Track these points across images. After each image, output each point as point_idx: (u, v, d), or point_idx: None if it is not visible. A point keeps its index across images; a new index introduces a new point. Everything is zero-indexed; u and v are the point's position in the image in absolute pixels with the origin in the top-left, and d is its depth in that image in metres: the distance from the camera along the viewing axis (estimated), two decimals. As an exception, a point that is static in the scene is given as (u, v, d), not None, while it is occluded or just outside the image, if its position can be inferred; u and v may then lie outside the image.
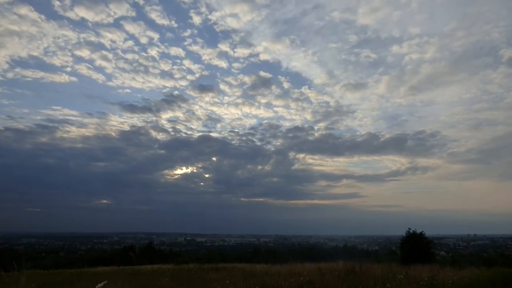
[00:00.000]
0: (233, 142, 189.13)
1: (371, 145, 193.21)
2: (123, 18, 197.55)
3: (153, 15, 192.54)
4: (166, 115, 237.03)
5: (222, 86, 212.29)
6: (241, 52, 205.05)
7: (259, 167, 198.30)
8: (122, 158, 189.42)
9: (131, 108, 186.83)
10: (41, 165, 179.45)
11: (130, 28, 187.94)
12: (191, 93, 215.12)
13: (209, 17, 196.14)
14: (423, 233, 19.91)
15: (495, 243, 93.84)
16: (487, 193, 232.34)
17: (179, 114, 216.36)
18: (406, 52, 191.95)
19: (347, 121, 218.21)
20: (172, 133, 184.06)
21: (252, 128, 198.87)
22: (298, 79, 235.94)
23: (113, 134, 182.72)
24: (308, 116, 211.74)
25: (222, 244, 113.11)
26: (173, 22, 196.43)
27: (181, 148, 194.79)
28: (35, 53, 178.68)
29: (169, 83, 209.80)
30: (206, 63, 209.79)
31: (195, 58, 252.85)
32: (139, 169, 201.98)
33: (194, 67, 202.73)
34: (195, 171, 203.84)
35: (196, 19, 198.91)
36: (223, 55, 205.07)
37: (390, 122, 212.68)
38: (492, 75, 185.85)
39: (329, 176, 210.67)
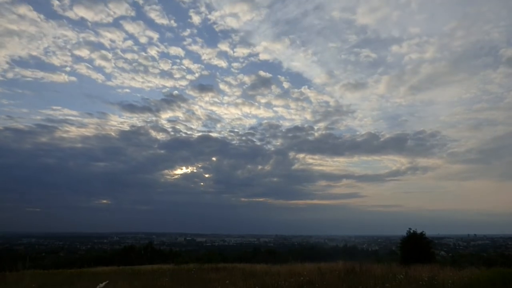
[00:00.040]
0: (233, 142, 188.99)
1: (371, 145, 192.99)
2: (122, 17, 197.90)
3: (153, 15, 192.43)
4: (165, 115, 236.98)
5: (221, 86, 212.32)
6: (241, 51, 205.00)
7: (259, 167, 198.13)
8: (122, 158, 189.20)
9: (131, 108, 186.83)
10: (41, 165, 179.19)
11: (130, 27, 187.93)
12: (191, 93, 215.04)
13: (209, 16, 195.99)
14: (424, 233, 19.90)
15: (495, 243, 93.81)
16: (487, 193, 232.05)
17: (179, 114, 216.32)
18: (406, 52, 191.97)
19: (347, 121, 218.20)
20: (172, 133, 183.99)
21: (252, 128, 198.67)
22: (298, 79, 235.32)
23: (113, 134, 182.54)
24: (308, 116, 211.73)
25: (222, 244, 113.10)
26: (172, 21, 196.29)
27: (181, 148, 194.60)
28: (34, 53, 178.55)
29: (169, 83, 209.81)
30: (205, 62, 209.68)
31: (195, 57, 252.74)
32: (139, 169, 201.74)
33: (194, 66, 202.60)
34: (195, 171, 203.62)
35: (196, 19, 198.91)
36: (222, 54, 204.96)
37: (390, 122, 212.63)
38: (492, 75, 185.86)
39: (329, 176, 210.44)
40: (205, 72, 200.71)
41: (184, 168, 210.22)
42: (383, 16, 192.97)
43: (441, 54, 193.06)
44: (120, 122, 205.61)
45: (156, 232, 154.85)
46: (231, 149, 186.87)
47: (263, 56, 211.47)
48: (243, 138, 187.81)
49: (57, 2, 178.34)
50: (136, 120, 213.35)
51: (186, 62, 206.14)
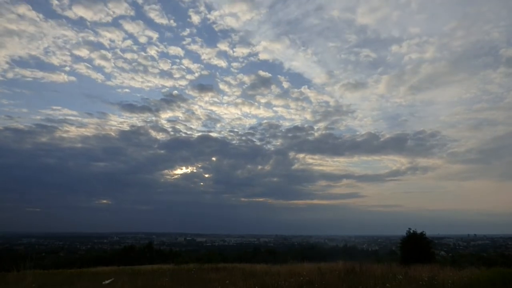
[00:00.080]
0: (233, 142, 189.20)
1: (371, 145, 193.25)
2: (121, 17, 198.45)
3: (152, 14, 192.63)
4: (165, 115, 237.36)
5: (221, 86, 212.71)
6: (240, 51, 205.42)
7: (259, 167, 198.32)
8: (122, 158, 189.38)
9: (131, 107, 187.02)
10: (41, 165, 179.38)
11: (129, 27, 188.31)
12: (191, 92, 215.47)
13: (208, 16, 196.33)
14: (424, 233, 19.90)
15: (495, 243, 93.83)
16: (487, 193, 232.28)
17: (179, 114, 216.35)
18: (406, 52, 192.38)
19: (347, 121, 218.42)
20: (172, 133, 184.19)
21: (251, 128, 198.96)
22: (297, 79, 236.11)
23: (112, 134, 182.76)
24: (308, 116, 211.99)
25: (222, 244, 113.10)
26: (172, 21, 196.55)
27: (181, 148, 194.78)
28: (33, 53, 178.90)
29: (169, 83, 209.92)
30: (205, 62, 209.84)
31: (194, 57, 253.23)
32: (139, 169, 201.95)
33: (193, 66, 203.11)
34: (195, 171, 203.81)
35: (195, 18, 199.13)
36: (222, 54, 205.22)
37: (390, 122, 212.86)
38: (492, 75, 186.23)
39: (329, 176, 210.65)
40: (204, 72, 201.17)
41: (184, 168, 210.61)
42: (383, 16, 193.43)
43: (441, 54, 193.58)
44: (120, 122, 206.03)
45: (156, 232, 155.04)
46: (231, 149, 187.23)
47: (262, 56, 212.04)
48: (243, 138, 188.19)
49: (56, 2, 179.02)
50: (136, 120, 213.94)
51: (185, 62, 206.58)
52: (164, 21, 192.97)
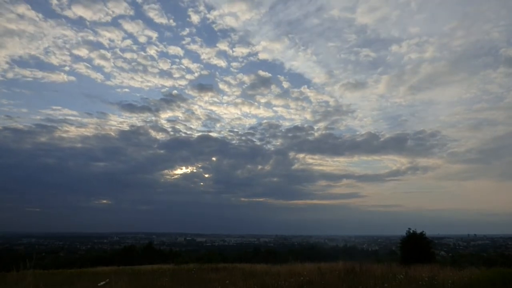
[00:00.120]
0: (232, 142, 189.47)
1: (371, 145, 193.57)
2: (121, 16, 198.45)
3: (151, 14, 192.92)
4: (165, 115, 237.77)
5: (221, 86, 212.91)
6: (240, 51, 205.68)
7: (259, 167, 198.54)
8: (122, 158, 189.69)
9: (130, 107, 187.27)
10: (40, 165, 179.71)
11: (129, 27, 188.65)
12: (190, 92, 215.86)
13: (208, 16, 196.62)
14: (424, 233, 19.91)
15: (495, 243, 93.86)
16: (487, 193, 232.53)
17: (179, 113, 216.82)
18: (406, 52, 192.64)
19: (347, 121, 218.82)
20: (172, 133, 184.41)
21: (251, 128, 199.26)
22: (297, 79, 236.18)
23: (112, 134, 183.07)
24: (308, 116, 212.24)
25: (222, 244, 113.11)
26: (171, 21, 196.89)
27: (181, 148, 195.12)
28: (33, 52, 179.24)
29: (168, 83, 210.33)
30: (205, 62, 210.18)
31: (194, 57, 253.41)
32: (139, 169, 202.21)
33: (193, 66, 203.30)
34: (194, 171, 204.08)
35: (195, 18, 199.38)
36: (222, 54, 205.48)
37: (390, 122, 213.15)
38: (492, 74, 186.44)
39: (329, 176, 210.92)
40: (204, 72, 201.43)
41: (184, 168, 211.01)
42: (382, 15, 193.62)
43: (440, 54, 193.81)
44: (119, 122, 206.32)
45: (156, 232, 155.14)
46: (231, 149, 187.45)
47: (262, 56, 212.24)
48: (243, 138, 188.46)
49: (56, 1, 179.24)
50: (135, 120, 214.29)
51: (185, 62, 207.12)
52: (163, 20, 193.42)
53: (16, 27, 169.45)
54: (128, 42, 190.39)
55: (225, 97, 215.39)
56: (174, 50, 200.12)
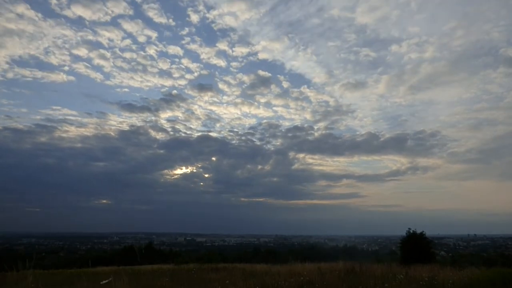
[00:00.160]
0: (232, 142, 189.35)
1: (371, 145, 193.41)
2: (120, 16, 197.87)
3: (151, 13, 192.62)
4: (165, 115, 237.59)
5: (221, 85, 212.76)
6: (240, 51, 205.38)
7: (259, 167, 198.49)
8: (122, 158, 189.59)
9: (130, 107, 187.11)
10: (40, 165, 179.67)
11: (128, 26, 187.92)
12: (190, 92, 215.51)
13: (207, 15, 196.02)
14: (423, 233, 19.92)
15: (495, 243, 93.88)
16: (487, 193, 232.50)
17: (178, 113, 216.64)
18: (406, 52, 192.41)
19: (347, 121, 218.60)
20: (171, 132, 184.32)
21: (251, 127, 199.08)
22: (297, 79, 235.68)
23: (112, 133, 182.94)
24: (308, 116, 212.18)
25: (222, 244, 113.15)
26: (170, 20, 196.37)
27: (181, 148, 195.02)
28: (32, 52, 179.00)
29: (168, 82, 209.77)
30: (204, 62, 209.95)
31: (194, 57, 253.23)
32: (139, 169, 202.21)
33: (193, 66, 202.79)
34: (194, 171, 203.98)
35: (194, 18, 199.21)
36: (221, 54, 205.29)
37: (390, 122, 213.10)
38: (492, 74, 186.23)
39: (329, 176, 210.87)
40: (204, 72, 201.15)
41: (183, 168, 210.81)
42: (382, 15, 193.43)
43: (440, 54, 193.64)
44: (119, 122, 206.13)
45: (156, 232, 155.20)
46: (230, 149, 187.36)
47: (262, 55, 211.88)
48: (243, 138, 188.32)
49: (55, 1, 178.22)
50: (135, 119, 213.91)
51: (185, 61, 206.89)
52: (163, 20, 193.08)
53: (16, 27, 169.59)
54: (128, 41, 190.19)
55: (225, 97, 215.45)
56: (173, 49, 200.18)
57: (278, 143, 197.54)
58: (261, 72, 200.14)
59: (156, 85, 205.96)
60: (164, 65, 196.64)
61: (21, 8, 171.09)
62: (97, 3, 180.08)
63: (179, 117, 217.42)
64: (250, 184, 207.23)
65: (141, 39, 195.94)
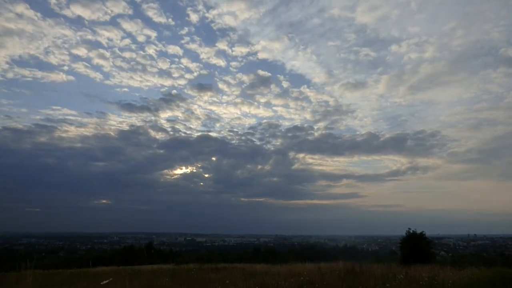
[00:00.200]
0: (232, 142, 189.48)
1: (371, 145, 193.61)
2: (120, 16, 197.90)
3: (150, 13, 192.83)
4: (164, 115, 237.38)
5: (220, 85, 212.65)
6: (239, 50, 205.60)
7: (259, 167, 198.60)
8: (122, 158, 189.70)
9: (130, 107, 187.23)
10: (40, 165, 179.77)
11: (127, 26, 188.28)
12: (190, 92, 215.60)
13: (206, 15, 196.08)
14: (423, 233, 19.91)
15: (495, 243, 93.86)
16: (487, 193, 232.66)
17: (178, 113, 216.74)
18: (405, 52, 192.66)
19: (347, 121, 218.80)
20: (171, 132, 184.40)
21: (251, 127, 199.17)
22: (297, 78, 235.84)
23: (112, 133, 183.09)
24: (308, 116, 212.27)
25: (222, 244, 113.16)
26: (170, 20, 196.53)
27: (180, 147, 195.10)
28: (32, 52, 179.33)
29: (167, 82, 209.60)
30: (204, 61, 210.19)
31: (193, 56, 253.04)
32: (139, 169, 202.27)
33: (192, 65, 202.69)
34: (194, 171, 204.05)
35: (193, 17, 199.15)
36: (221, 53, 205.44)
37: (390, 122, 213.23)
38: (492, 74, 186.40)
39: (329, 176, 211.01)
40: (203, 71, 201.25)
41: (183, 168, 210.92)
42: (382, 15, 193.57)
43: (440, 54, 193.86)
44: (119, 121, 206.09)
45: (156, 232, 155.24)
46: (230, 149, 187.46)
47: (261, 55, 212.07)
48: (243, 137, 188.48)
49: (54, 0, 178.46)
50: (135, 119, 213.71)
51: (184, 61, 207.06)
52: (162, 19, 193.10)
53: (15, 27, 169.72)
54: (127, 41, 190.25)
55: (224, 97, 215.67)
56: (173, 49, 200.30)
57: (278, 143, 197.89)
58: (260, 72, 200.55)
59: (155, 85, 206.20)
60: (163, 65, 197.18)
61: (21, 8, 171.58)
62: (96, 3, 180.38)
63: (179, 117, 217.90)
64: (250, 184, 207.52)
65: (141, 38, 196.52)
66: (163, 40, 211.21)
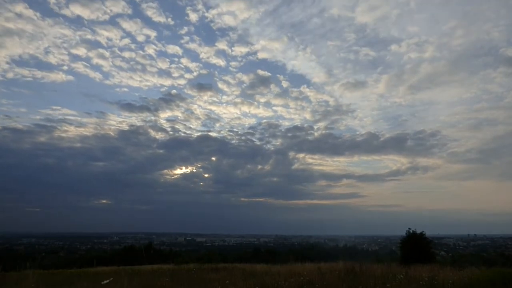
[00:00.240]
0: (232, 142, 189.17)
1: (371, 144, 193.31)
2: (119, 15, 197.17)
3: (150, 13, 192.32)
4: (164, 115, 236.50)
5: (220, 85, 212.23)
6: (239, 50, 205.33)
7: (259, 166, 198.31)
8: (121, 158, 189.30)
9: (129, 107, 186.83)
10: (40, 165, 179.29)
11: (127, 25, 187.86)
12: (190, 92, 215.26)
13: (206, 14, 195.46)
14: (423, 233, 19.92)
15: (495, 243, 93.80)
16: (487, 193, 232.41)
17: (178, 113, 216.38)
18: (405, 51, 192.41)
19: (347, 121, 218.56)
20: (171, 132, 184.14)
21: (251, 127, 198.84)
22: (297, 78, 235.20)
23: (111, 133, 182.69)
24: (308, 116, 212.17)
25: (222, 244, 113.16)
26: (169, 19, 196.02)
27: (180, 147, 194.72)
28: (31, 52, 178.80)
29: (167, 82, 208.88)
30: (204, 61, 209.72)
31: (193, 56, 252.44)
32: (139, 169, 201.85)
33: (192, 65, 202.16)
34: (194, 171, 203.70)
35: (193, 17, 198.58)
36: (220, 53, 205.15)
37: (390, 122, 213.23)
38: (492, 74, 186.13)
39: (329, 176, 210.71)
40: (203, 71, 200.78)
41: (183, 168, 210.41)
42: (382, 14, 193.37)
43: (440, 54, 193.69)
44: (118, 121, 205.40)
45: (156, 232, 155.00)
46: (230, 149, 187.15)
47: (261, 55, 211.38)
48: (243, 137, 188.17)
49: (53, 0, 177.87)
50: (135, 119, 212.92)
51: (184, 61, 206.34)
52: (161, 19, 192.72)
53: (15, 26, 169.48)
54: (127, 41, 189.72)
55: (224, 97, 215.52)
56: (172, 49, 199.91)
57: (278, 143, 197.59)
58: (260, 72, 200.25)
59: (155, 85, 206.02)
60: (163, 65, 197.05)
61: (20, 7, 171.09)
62: (95, 2, 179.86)
63: (179, 117, 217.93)
64: (250, 184, 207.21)
65: (140, 38, 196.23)
66: (163, 39, 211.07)
